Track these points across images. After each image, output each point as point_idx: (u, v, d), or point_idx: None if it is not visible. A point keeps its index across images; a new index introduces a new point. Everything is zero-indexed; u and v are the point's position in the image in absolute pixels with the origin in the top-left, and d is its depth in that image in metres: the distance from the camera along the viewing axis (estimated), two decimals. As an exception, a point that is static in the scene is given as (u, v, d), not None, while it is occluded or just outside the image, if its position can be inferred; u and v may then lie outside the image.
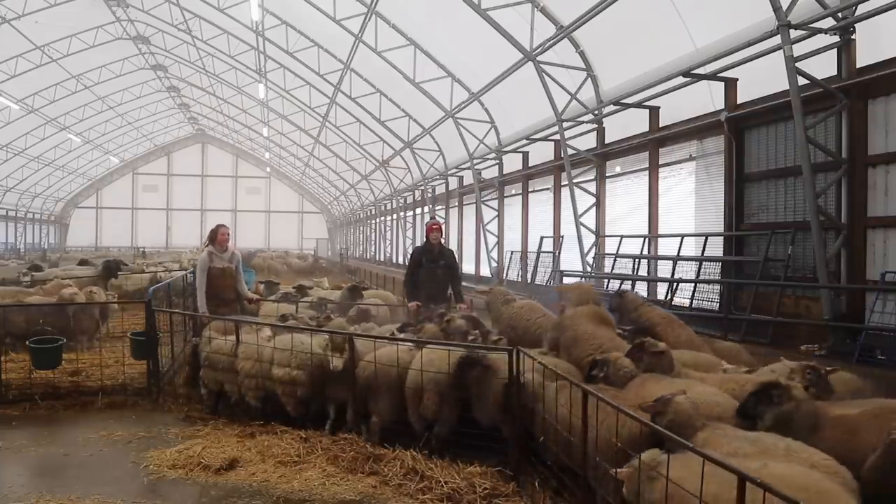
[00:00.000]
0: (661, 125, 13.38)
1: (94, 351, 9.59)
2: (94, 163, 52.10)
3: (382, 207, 39.87)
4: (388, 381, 6.04)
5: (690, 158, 12.80)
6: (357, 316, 9.48)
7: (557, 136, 16.03)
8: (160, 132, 54.17)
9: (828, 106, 8.92)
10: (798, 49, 8.78)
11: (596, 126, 15.51)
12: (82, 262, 20.98)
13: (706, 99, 11.91)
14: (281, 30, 24.06)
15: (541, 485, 4.91)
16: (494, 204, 22.79)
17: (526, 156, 20.16)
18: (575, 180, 15.76)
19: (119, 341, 10.16)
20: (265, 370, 6.71)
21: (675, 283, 11.88)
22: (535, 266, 18.17)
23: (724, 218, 11.30)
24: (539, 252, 18.17)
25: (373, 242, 44.28)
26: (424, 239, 9.86)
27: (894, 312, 7.98)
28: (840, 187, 8.97)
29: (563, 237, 17.50)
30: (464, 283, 11.19)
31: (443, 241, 9.69)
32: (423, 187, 30.57)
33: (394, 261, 36.47)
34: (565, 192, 16.65)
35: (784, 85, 8.94)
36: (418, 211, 33.08)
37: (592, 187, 15.89)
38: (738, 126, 10.97)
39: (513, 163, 21.04)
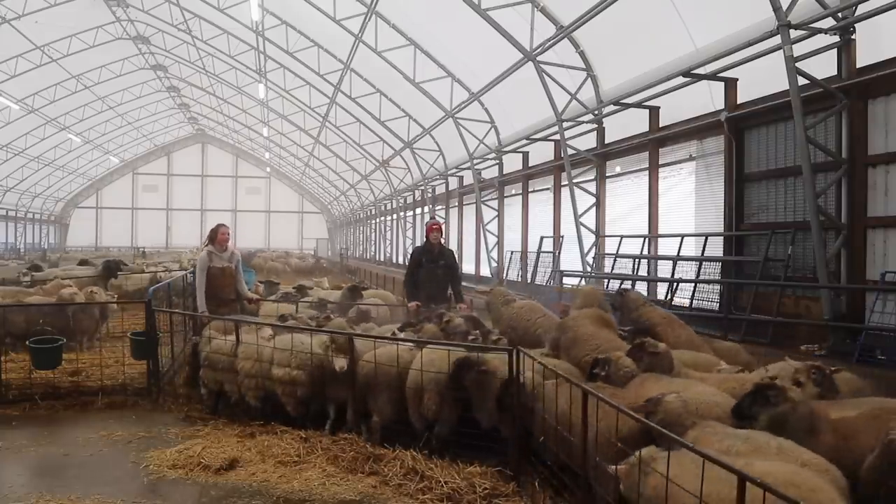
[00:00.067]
0: (661, 125, 13.38)
1: (94, 351, 9.59)
2: (94, 163, 52.13)
3: (382, 207, 39.87)
4: (388, 380, 6.04)
5: (690, 158, 12.80)
6: (357, 317, 9.47)
7: (557, 136, 16.03)
8: (160, 132, 54.20)
9: (828, 106, 8.92)
10: (798, 49, 8.78)
11: (596, 126, 15.51)
12: (82, 263, 20.98)
13: (706, 99, 11.91)
14: (281, 30, 24.06)
15: (541, 485, 4.91)
16: (494, 204, 22.79)
17: (526, 156, 20.16)
18: (575, 180, 15.76)
19: (119, 341, 10.16)
20: (265, 370, 6.71)
21: (675, 283, 11.88)
22: (535, 266, 18.17)
23: (724, 218, 11.31)
24: (539, 252, 18.17)
25: (373, 242, 44.29)
26: (424, 239, 9.86)
27: (894, 312, 7.98)
28: (840, 187, 8.97)
29: (563, 237, 17.50)
30: (464, 283, 11.20)
31: (443, 241, 9.69)
32: (423, 187, 30.58)
33: (394, 261, 36.48)
34: (565, 192, 16.65)
35: (784, 85, 8.94)
36: (418, 211, 33.09)
37: (592, 187, 15.89)
38: (738, 126, 10.97)
39: (513, 163, 21.04)
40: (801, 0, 8.59)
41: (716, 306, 11.11)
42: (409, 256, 12.01)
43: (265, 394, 6.81)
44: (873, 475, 3.45)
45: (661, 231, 13.55)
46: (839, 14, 8.47)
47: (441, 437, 5.81)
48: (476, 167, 22.43)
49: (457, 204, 27.39)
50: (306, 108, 31.75)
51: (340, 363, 6.16)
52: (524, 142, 18.71)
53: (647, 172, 13.93)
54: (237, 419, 6.89)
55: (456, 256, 10.27)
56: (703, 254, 11.83)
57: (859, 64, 8.73)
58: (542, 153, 18.81)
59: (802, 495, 2.69)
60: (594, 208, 15.75)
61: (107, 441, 6.40)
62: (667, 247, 13.27)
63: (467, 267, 23.87)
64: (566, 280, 15.62)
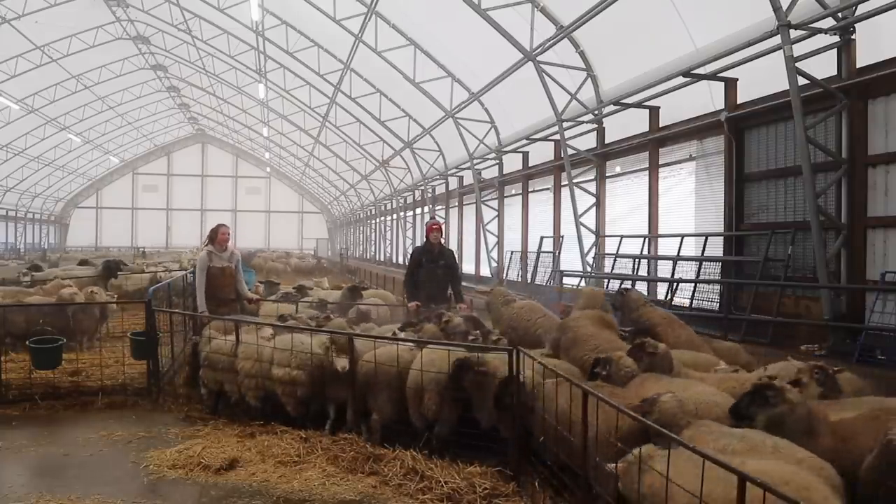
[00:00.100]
0: (661, 125, 13.39)
1: (94, 351, 9.59)
2: (94, 163, 52.14)
3: (382, 207, 39.88)
4: (388, 380, 6.04)
5: (690, 158, 12.80)
6: (357, 318, 9.47)
7: (557, 136, 16.03)
8: (160, 132, 54.21)
9: (828, 106, 8.92)
10: (798, 49, 8.78)
11: (596, 126, 15.51)
12: (82, 263, 20.99)
13: (706, 99, 11.91)
14: (281, 30, 24.06)
15: (541, 485, 4.91)
16: (494, 204, 22.79)
17: (526, 156, 20.16)
18: (575, 180, 15.76)
19: (119, 341, 10.15)
20: (265, 370, 6.71)
21: (675, 283, 11.88)
22: (535, 266, 18.17)
23: (724, 218, 11.31)
24: (539, 252, 18.17)
25: (373, 242, 44.29)
26: (424, 239, 9.86)
27: (894, 312, 7.98)
28: (840, 187, 8.97)
29: (563, 237, 17.50)
30: (464, 283, 11.20)
31: (443, 241, 9.69)
32: (423, 187, 30.58)
33: (394, 261, 36.48)
34: (565, 192, 16.65)
35: (784, 85, 8.94)
36: (418, 211, 33.09)
37: (592, 187, 15.89)
38: (738, 126, 10.97)
39: (513, 163, 21.04)
40: (801, 0, 8.59)
41: (716, 306, 11.11)
42: (409, 256, 12.01)
43: (265, 394, 6.81)
44: (872, 475, 3.46)
45: (661, 231, 13.55)
46: (839, 14, 8.47)
47: (441, 436, 5.81)
48: (476, 167, 22.43)
49: (457, 204, 27.40)
50: (306, 108, 31.75)
51: (342, 363, 6.16)
52: (524, 142, 18.71)
53: (647, 172, 13.93)
54: (237, 419, 6.88)
55: (456, 256, 10.27)
56: (703, 254, 11.84)
57: (859, 64, 8.73)
58: (542, 153, 18.81)
59: (795, 493, 2.69)
60: (594, 208, 15.75)
61: (107, 441, 6.40)
62: (667, 247, 13.27)
63: (467, 267, 23.87)
64: (566, 280, 15.63)
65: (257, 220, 60.06)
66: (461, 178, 26.27)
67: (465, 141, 21.65)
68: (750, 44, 9.62)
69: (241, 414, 6.98)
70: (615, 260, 14.66)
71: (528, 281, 18.21)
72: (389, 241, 39.04)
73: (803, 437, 3.82)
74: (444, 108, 21.06)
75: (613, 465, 3.79)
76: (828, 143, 9.03)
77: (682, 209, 13.07)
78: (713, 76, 10.93)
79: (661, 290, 12.64)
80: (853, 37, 8.68)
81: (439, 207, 29.52)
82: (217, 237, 8.93)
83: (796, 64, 8.66)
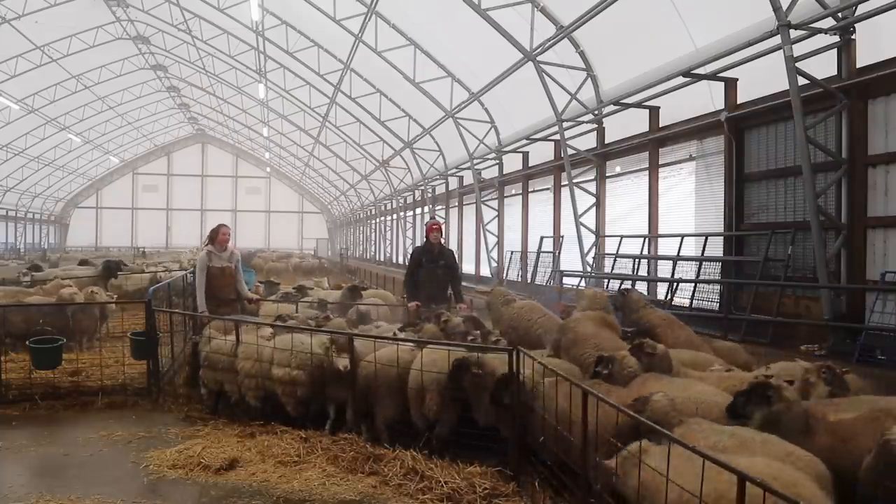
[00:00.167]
0: (661, 125, 13.38)
1: (94, 351, 9.58)
2: (94, 163, 52.13)
3: (382, 207, 39.88)
4: (390, 381, 6.04)
5: (690, 158, 12.80)
6: (356, 318, 9.46)
7: (557, 136, 16.03)
8: (160, 132, 54.20)
9: (828, 106, 8.92)
10: (798, 49, 8.78)
11: (596, 126, 15.51)
12: (82, 263, 20.98)
13: (706, 99, 11.91)
14: (281, 30, 24.06)
15: (541, 485, 4.91)
16: (494, 204, 22.79)
17: (526, 156, 20.16)
18: (575, 180, 15.76)
19: (119, 341, 10.15)
20: (265, 370, 6.71)
21: (675, 283, 11.88)
22: (535, 266, 18.17)
23: (724, 218, 11.31)
24: (539, 252, 18.17)
25: (373, 242, 44.30)
26: (424, 239, 9.86)
27: (894, 312, 7.98)
28: (840, 187, 8.97)
29: (563, 237, 17.50)
30: (464, 283, 11.20)
31: (443, 241, 9.69)
32: (423, 187, 30.58)
33: (394, 261, 36.48)
34: (565, 192, 16.65)
35: (784, 85, 8.94)
36: (418, 211, 33.09)
37: (592, 187, 15.89)
38: (738, 126, 10.97)
39: (513, 163, 21.04)
40: (801, 0, 8.59)
41: (716, 306, 11.11)
42: (409, 256, 12.01)
43: (265, 394, 6.81)
44: (871, 476, 3.46)
45: (661, 231, 13.55)
46: (839, 14, 8.47)
47: (441, 436, 5.81)
48: (476, 167, 22.43)
49: (457, 204, 27.40)
50: (306, 108, 31.76)
51: (343, 363, 6.16)
52: (524, 142, 18.71)
53: (647, 172, 13.93)
54: (237, 419, 6.88)
55: (456, 256, 10.27)
56: (703, 254, 11.84)
57: (859, 64, 8.73)
58: (542, 153, 18.81)
59: (782, 489, 2.71)
60: (594, 208, 15.75)
61: (107, 441, 6.40)
62: (667, 247, 13.27)
63: (467, 267, 23.87)
64: (566, 280, 15.63)
65: (257, 220, 60.06)
66: (461, 178, 26.27)
67: (465, 141, 21.65)
68: (750, 44, 9.62)
69: (241, 414, 6.98)
70: (615, 260, 14.65)
71: (528, 281, 18.21)
72: (389, 241, 39.04)
73: (800, 436, 3.83)
74: (444, 108, 21.06)
75: (607, 460, 3.84)
76: (828, 143, 9.03)
77: (682, 209, 13.07)
78: (713, 76, 10.93)
79: (661, 290, 12.63)
80: (853, 37, 8.68)
81: (439, 207, 29.52)
82: (217, 237, 8.94)
83: (796, 64, 8.66)
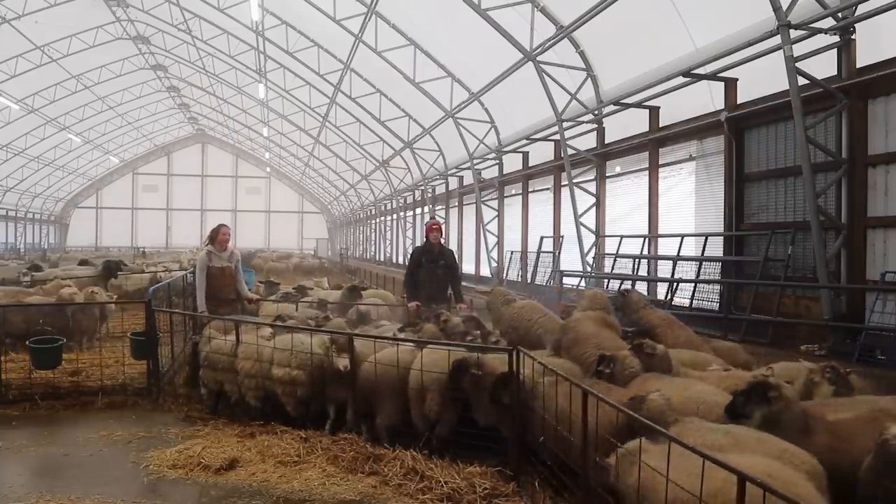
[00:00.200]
0: (661, 125, 13.39)
1: (94, 351, 9.58)
2: (94, 163, 52.14)
3: (382, 207, 39.88)
4: (391, 383, 6.03)
5: (690, 158, 12.80)
6: (357, 318, 9.45)
7: (557, 136, 16.03)
8: (160, 132, 54.21)
9: (828, 106, 8.92)
10: (798, 49, 8.78)
11: (596, 126, 15.51)
12: (82, 263, 20.99)
13: (706, 99, 11.91)
14: (281, 30, 24.06)
15: (541, 485, 4.91)
16: (494, 204, 22.79)
17: (526, 156, 20.16)
18: (575, 180, 15.76)
19: (119, 341, 10.14)
20: (265, 370, 6.71)
21: (675, 283, 11.88)
22: (535, 266, 18.17)
23: (724, 218, 11.31)
24: (539, 252, 18.18)
25: (373, 242, 44.30)
26: (424, 239, 9.86)
27: (894, 312, 7.98)
28: (840, 187, 8.97)
29: (563, 237, 17.50)
30: (464, 283, 11.20)
31: (443, 241, 9.68)
32: (423, 187, 30.58)
33: (394, 261, 36.48)
34: (565, 192, 16.65)
35: (784, 85, 8.94)
36: (418, 211, 33.10)
37: (592, 187, 15.89)
38: (738, 126, 10.97)
39: (513, 163, 21.05)
40: (801, 0, 8.60)
41: (716, 306, 11.11)
42: (409, 256, 12.02)
43: (265, 394, 6.81)
44: (871, 476, 3.46)
45: (661, 231, 13.55)
46: (839, 14, 8.47)
47: (442, 436, 5.81)
48: (476, 167, 22.43)
49: (457, 204, 27.40)
50: (306, 108, 31.76)
51: (343, 363, 6.16)
52: (524, 142, 18.71)
53: (647, 172, 13.93)
54: (237, 419, 6.88)
55: (456, 256, 10.26)
56: (703, 254, 11.84)
57: (859, 64, 8.73)
58: (542, 153, 18.81)
59: (777, 487, 2.71)
60: (594, 208, 15.75)
61: (107, 441, 6.39)
62: (667, 247, 13.27)
63: (467, 267, 23.87)
64: (566, 280, 15.63)
65: (257, 220, 60.07)
66: (461, 178, 26.28)
67: (465, 141, 21.66)
68: (750, 44, 9.62)
69: (241, 414, 6.98)
70: (615, 260, 14.66)
71: (528, 281, 18.22)
72: (389, 241, 39.04)
73: (799, 436, 3.83)
74: (444, 108, 21.06)
75: (606, 459, 3.86)
76: (828, 143, 9.03)
77: (682, 209, 13.07)
78: (713, 76, 10.93)
79: (661, 290, 12.64)
80: (853, 37, 8.68)
81: (439, 207, 29.52)
82: (217, 237, 8.93)
83: (796, 64, 8.67)
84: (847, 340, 8.45)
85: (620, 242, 14.61)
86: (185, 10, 27.22)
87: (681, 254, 12.38)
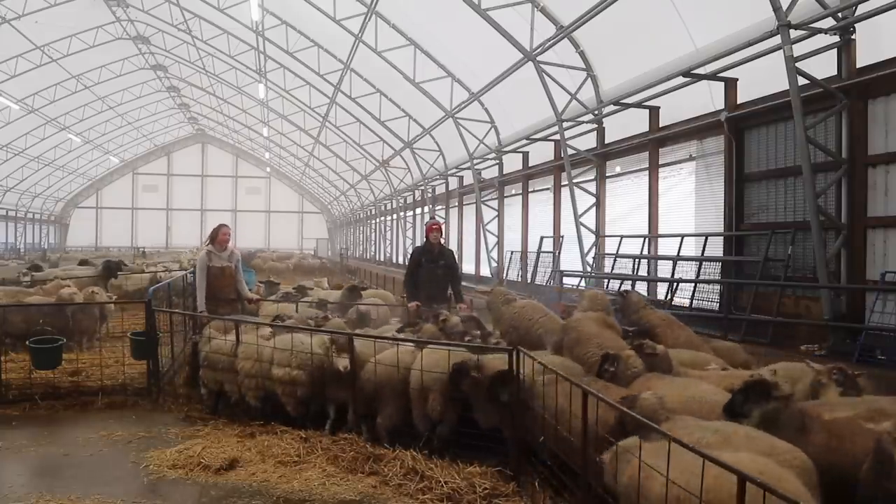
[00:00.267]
0: (661, 125, 13.39)
1: (94, 351, 9.58)
2: (94, 163, 52.13)
3: (382, 207, 39.88)
4: (393, 384, 6.03)
5: (690, 158, 12.80)
6: (357, 319, 9.45)
7: (557, 136, 16.03)
8: (160, 132, 54.21)
9: (828, 106, 8.92)
10: (798, 49, 8.78)
11: (596, 126, 15.51)
12: (82, 263, 20.98)
13: (706, 99, 11.91)
14: (281, 30, 24.06)
15: (541, 485, 4.91)
16: (494, 204, 22.79)
17: (526, 156, 20.16)
18: (575, 180, 15.77)
19: (119, 341, 10.14)
20: (265, 370, 6.71)
21: (675, 283, 11.88)
22: (535, 266, 18.17)
23: (724, 218, 11.31)
24: (539, 252, 18.18)
25: (373, 242, 44.30)
26: (424, 239, 9.85)
27: (894, 312, 7.98)
28: (840, 187, 8.97)
29: (563, 237, 17.50)
30: (464, 283, 11.20)
31: (443, 241, 9.68)
32: (423, 187, 30.58)
33: (394, 261, 36.49)
34: (565, 192, 16.65)
35: (784, 85, 8.94)
36: (418, 211, 33.09)
37: (592, 187, 15.89)
38: (738, 126, 10.97)
39: (513, 163, 21.05)
40: (801, 0, 8.60)
41: (716, 306, 11.11)
42: (409, 256, 12.02)
43: (265, 394, 6.81)
44: (870, 476, 3.46)
45: (661, 231, 13.55)
46: (839, 14, 8.47)
47: (443, 436, 5.80)
48: (476, 167, 22.43)
49: (457, 204, 27.40)
50: (306, 108, 31.76)
51: (343, 363, 6.16)
52: (524, 142, 18.71)
53: (647, 172, 13.93)
54: (237, 419, 6.88)
55: (456, 256, 10.26)
56: (703, 254, 11.84)
57: (859, 64, 8.73)
58: (542, 153, 18.81)
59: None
60: (594, 208, 15.75)
61: (107, 441, 6.40)
62: (667, 247, 13.27)
63: (467, 267, 23.87)
64: (566, 280, 15.63)
65: (257, 220, 60.06)
66: (461, 178, 26.28)
67: (465, 141, 21.66)
68: (750, 44, 9.62)
69: (241, 414, 6.98)
70: (615, 260, 14.66)
71: (528, 281, 18.22)
72: (389, 241, 39.04)
73: (796, 434, 3.83)
74: (444, 108, 21.06)
75: (601, 457, 3.89)
76: (828, 143, 9.03)
77: (682, 209, 13.07)
78: (713, 76, 10.93)
79: (661, 290, 12.64)
80: (853, 37, 8.68)
81: (439, 207, 29.52)
82: (217, 237, 8.94)
83: (796, 64, 8.67)
84: (847, 340, 8.45)
85: (620, 242, 14.61)
86: (185, 10, 27.22)
87: (681, 254, 12.38)
